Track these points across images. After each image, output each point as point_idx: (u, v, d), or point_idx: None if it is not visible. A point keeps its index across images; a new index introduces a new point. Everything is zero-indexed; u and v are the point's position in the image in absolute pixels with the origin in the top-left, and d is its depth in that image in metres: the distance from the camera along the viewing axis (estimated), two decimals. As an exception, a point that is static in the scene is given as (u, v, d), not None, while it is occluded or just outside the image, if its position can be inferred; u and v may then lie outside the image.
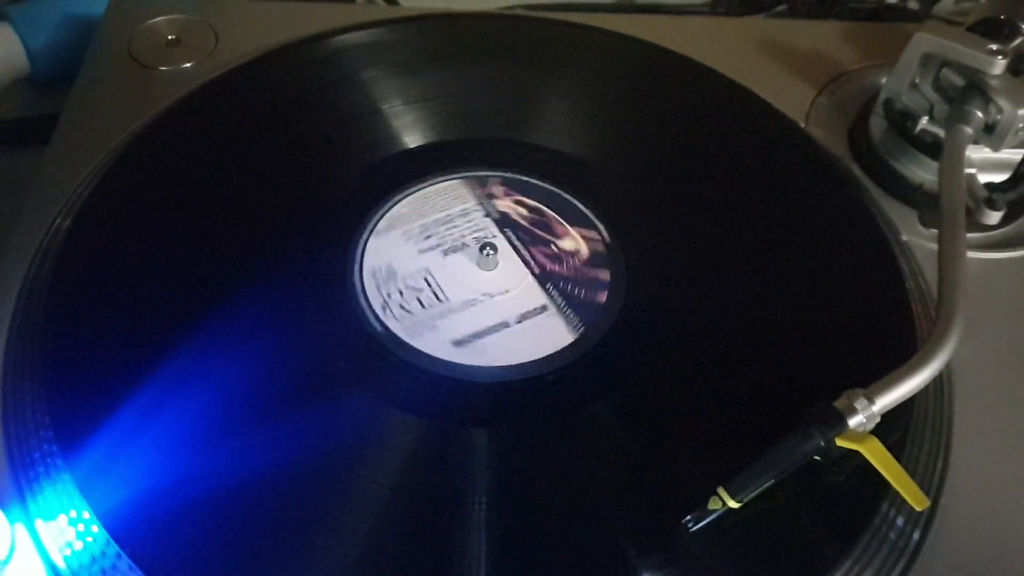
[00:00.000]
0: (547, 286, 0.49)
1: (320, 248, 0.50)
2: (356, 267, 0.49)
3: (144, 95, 0.58)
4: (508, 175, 0.54)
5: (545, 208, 0.52)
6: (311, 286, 0.48)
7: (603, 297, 0.48)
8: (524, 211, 0.52)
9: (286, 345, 0.46)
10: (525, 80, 0.58)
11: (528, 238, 0.51)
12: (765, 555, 0.40)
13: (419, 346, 0.46)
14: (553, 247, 0.51)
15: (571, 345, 0.46)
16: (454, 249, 0.50)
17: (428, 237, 0.51)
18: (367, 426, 0.43)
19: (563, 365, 0.46)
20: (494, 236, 0.51)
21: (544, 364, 0.46)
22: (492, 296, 0.49)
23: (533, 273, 0.50)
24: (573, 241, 0.51)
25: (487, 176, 0.53)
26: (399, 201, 0.52)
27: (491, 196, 0.53)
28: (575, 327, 0.47)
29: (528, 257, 0.50)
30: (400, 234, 0.51)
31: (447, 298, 0.48)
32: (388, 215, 0.52)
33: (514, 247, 0.51)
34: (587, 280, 0.49)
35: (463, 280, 0.49)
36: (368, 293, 0.48)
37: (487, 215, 0.52)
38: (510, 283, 0.49)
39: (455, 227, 0.51)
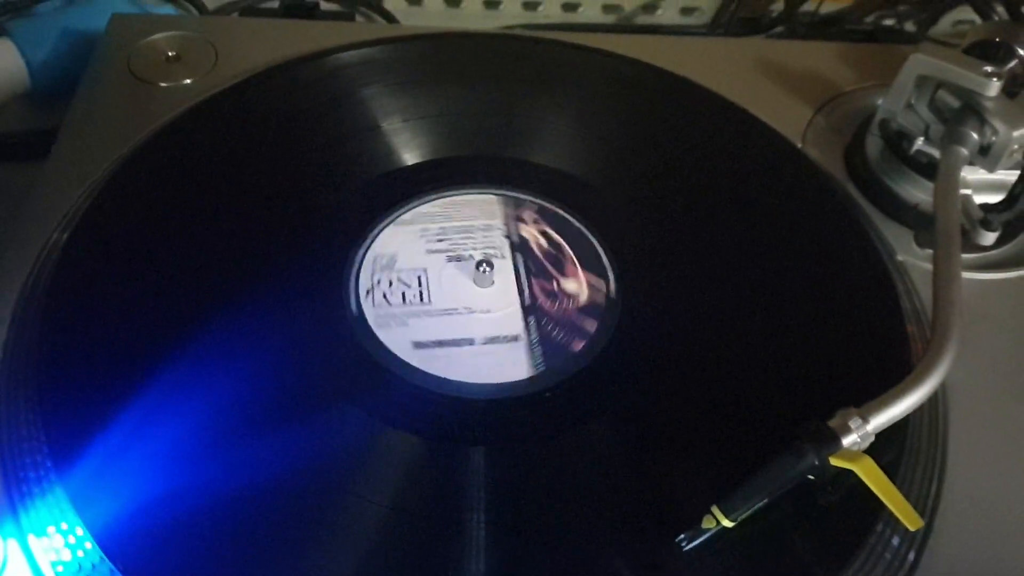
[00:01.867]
0: (529, 318, 0.49)
1: (329, 235, 0.51)
2: (362, 250, 0.50)
3: (143, 111, 0.58)
4: (545, 204, 0.53)
5: (566, 245, 0.52)
6: (309, 270, 0.49)
7: (579, 346, 0.48)
8: (544, 242, 0.52)
9: (280, 335, 0.46)
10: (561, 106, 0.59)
11: (535, 268, 0.51)
12: (760, 574, 0.40)
13: (381, 337, 0.47)
14: (555, 284, 0.50)
15: (523, 381, 0.46)
16: (459, 258, 0.51)
17: (441, 240, 0.51)
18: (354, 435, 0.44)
19: (508, 396, 0.45)
20: (501, 257, 0.51)
21: (489, 391, 0.45)
22: (472, 312, 0.49)
23: (522, 302, 0.49)
24: (577, 284, 0.50)
25: (524, 199, 0.54)
26: (432, 200, 0.53)
27: (519, 219, 0.53)
28: (536, 365, 0.47)
29: (525, 286, 0.50)
30: (418, 229, 0.52)
31: (430, 301, 0.49)
32: (416, 210, 0.52)
33: (516, 272, 0.50)
34: (571, 325, 0.48)
35: (453, 289, 0.49)
36: (361, 276, 0.49)
37: (507, 236, 0.52)
38: (495, 305, 0.49)
39: (471, 238, 0.52)
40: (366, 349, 0.46)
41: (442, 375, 0.45)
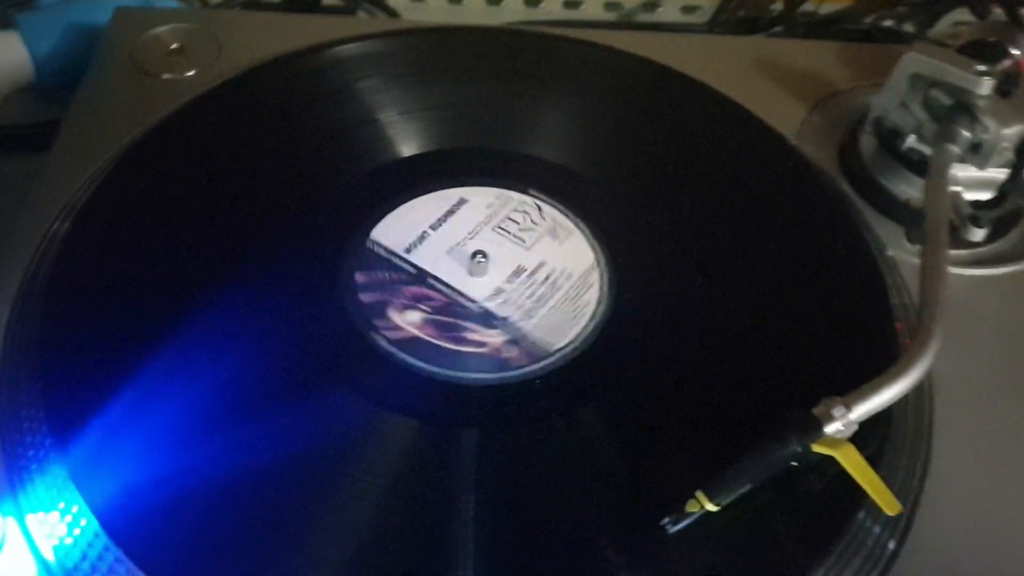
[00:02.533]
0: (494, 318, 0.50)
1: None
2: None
3: (146, 103, 0.58)
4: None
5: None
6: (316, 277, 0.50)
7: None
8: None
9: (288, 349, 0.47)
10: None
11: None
12: (741, 558, 0.40)
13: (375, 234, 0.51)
14: None
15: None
16: (483, 237, 0.53)
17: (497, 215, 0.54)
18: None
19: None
20: (516, 264, 0.52)
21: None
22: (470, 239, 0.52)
23: (485, 305, 0.50)
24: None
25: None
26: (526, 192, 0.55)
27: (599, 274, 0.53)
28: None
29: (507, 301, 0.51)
30: (496, 199, 0.54)
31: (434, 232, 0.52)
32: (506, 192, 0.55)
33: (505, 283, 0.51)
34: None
35: (450, 241, 0.52)
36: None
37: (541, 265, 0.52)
38: (467, 286, 0.51)
39: (515, 233, 0.53)
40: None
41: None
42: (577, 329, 0.49)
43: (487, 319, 0.49)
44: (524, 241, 0.52)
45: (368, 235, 0.52)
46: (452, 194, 0.54)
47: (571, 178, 0.55)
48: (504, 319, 0.49)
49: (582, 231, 0.53)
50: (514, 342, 0.48)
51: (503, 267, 0.51)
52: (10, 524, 0.41)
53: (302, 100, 0.57)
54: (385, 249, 0.51)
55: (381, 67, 0.59)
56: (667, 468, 0.43)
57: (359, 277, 0.50)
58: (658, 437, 0.45)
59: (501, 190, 0.55)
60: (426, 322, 0.48)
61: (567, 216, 0.54)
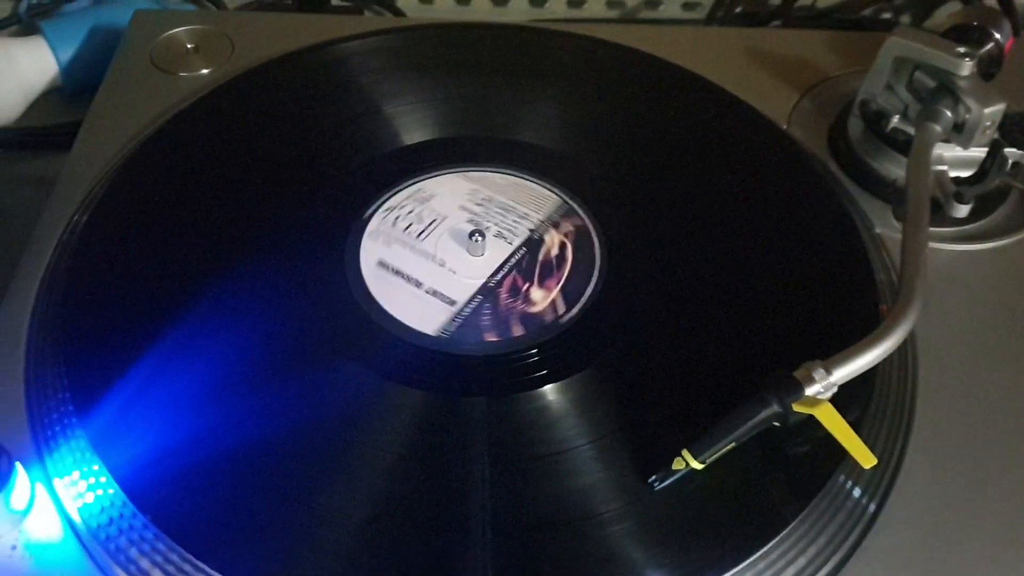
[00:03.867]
0: (477, 296, 0.51)
1: (324, 240, 0.54)
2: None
3: (164, 99, 0.62)
4: (579, 213, 0.56)
5: (569, 266, 0.53)
6: (317, 275, 0.52)
7: (491, 336, 0.50)
8: (555, 252, 0.54)
9: (293, 330, 0.49)
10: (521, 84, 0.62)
11: (524, 266, 0.53)
12: (726, 512, 0.42)
13: (362, 244, 0.53)
14: (527, 286, 0.52)
15: (432, 334, 0.49)
16: (476, 223, 0.54)
17: (479, 205, 0.55)
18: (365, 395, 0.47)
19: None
20: (509, 243, 0.54)
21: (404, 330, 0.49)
22: (443, 266, 0.52)
23: (485, 283, 0.52)
24: (543, 297, 0.51)
25: (577, 210, 0.56)
26: (504, 173, 0.57)
27: (556, 224, 0.55)
28: (444, 331, 0.50)
29: (501, 273, 0.52)
30: (473, 188, 0.56)
31: (422, 240, 0.53)
32: (485, 173, 0.57)
33: (507, 260, 0.53)
34: (503, 322, 0.50)
35: (447, 243, 0.53)
36: (396, 197, 0.55)
37: (531, 230, 0.54)
38: (465, 271, 0.52)
39: (503, 216, 0.55)
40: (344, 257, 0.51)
41: (376, 296, 0.50)
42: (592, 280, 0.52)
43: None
44: (506, 215, 0.55)
45: (359, 249, 0.53)
46: (550, 195, 0.57)
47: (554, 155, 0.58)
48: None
49: (544, 186, 0.57)
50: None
51: (496, 242, 0.54)
52: (38, 488, 0.44)
53: (307, 93, 0.60)
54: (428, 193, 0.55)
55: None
56: (659, 430, 0.45)
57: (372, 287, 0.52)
58: (654, 399, 0.47)
59: (461, 173, 0.57)
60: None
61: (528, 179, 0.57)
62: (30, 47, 0.70)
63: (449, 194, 0.56)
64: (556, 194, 0.56)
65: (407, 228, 0.53)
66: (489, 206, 0.55)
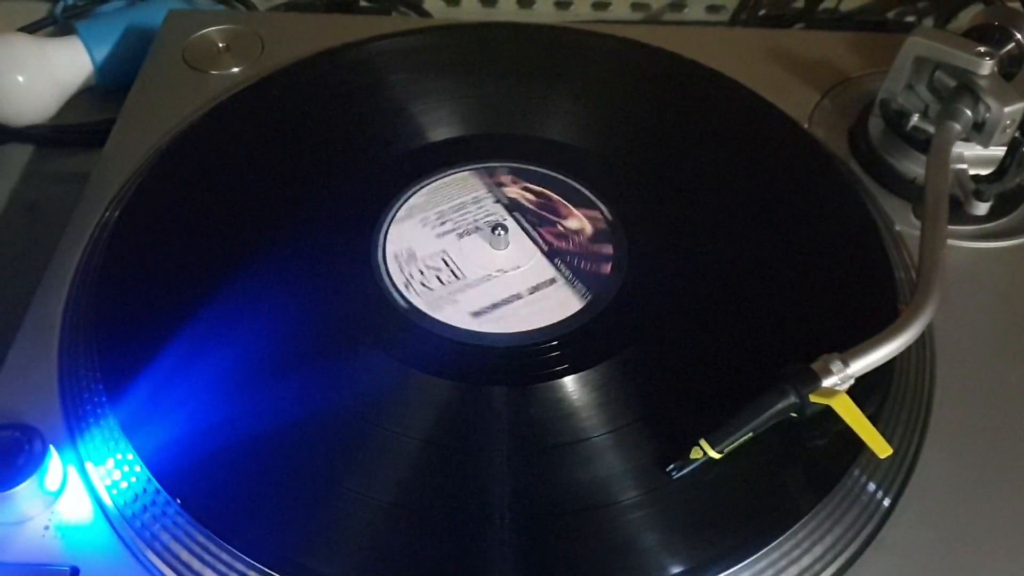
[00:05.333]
0: (555, 261, 0.53)
1: (345, 238, 0.54)
2: (379, 252, 0.54)
3: (195, 97, 0.63)
4: (514, 165, 0.58)
5: (551, 193, 0.56)
6: (340, 272, 0.53)
7: (607, 268, 0.52)
8: (531, 196, 0.56)
9: (316, 326, 0.50)
10: (536, 81, 0.63)
11: (536, 220, 0.55)
12: (742, 502, 0.43)
13: (440, 318, 0.50)
14: (560, 226, 0.55)
15: (579, 312, 0.50)
16: (468, 232, 0.55)
17: (443, 223, 0.55)
18: (392, 386, 0.47)
19: (573, 330, 0.50)
20: (504, 219, 0.55)
21: (555, 329, 0.50)
22: (505, 272, 0.53)
23: (542, 250, 0.54)
24: (578, 221, 0.55)
25: (495, 167, 0.58)
26: (415, 192, 0.57)
27: (500, 184, 0.57)
28: (583, 295, 0.51)
29: (536, 236, 0.54)
30: (418, 221, 0.55)
31: (464, 275, 0.53)
32: (406, 205, 0.56)
33: (523, 228, 0.55)
34: (592, 254, 0.53)
35: (478, 259, 0.53)
36: (392, 274, 0.53)
37: (497, 201, 0.56)
38: (521, 260, 0.53)
39: (468, 212, 0.56)
40: (435, 332, 0.50)
41: (514, 331, 0.50)
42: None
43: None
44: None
45: (384, 243, 0.54)
46: (465, 176, 0.58)
47: (586, 156, 0.59)
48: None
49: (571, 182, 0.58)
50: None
51: (519, 234, 0.55)
52: (71, 470, 0.45)
53: (333, 92, 0.62)
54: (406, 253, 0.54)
55: (409, 60, 0.64)
56: (681, 418, 0.46)
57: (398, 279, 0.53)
58: (675, 389, 0.48)
59: (482, 169, 0.58)
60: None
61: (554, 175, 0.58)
62: (65, 47, 0.72)
63: (417, 238, 0.55)
64: (466, 170, 0.58)
65: (443, 282, 0.53)
66: (452, 216, 0.56)
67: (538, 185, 0.57)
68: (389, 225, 0.55)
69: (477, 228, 0.55)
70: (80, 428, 0.46)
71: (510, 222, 0.55)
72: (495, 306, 0.51)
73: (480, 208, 0.56)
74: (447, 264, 0.53)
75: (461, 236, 0.55)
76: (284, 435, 0.45)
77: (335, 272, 0.52)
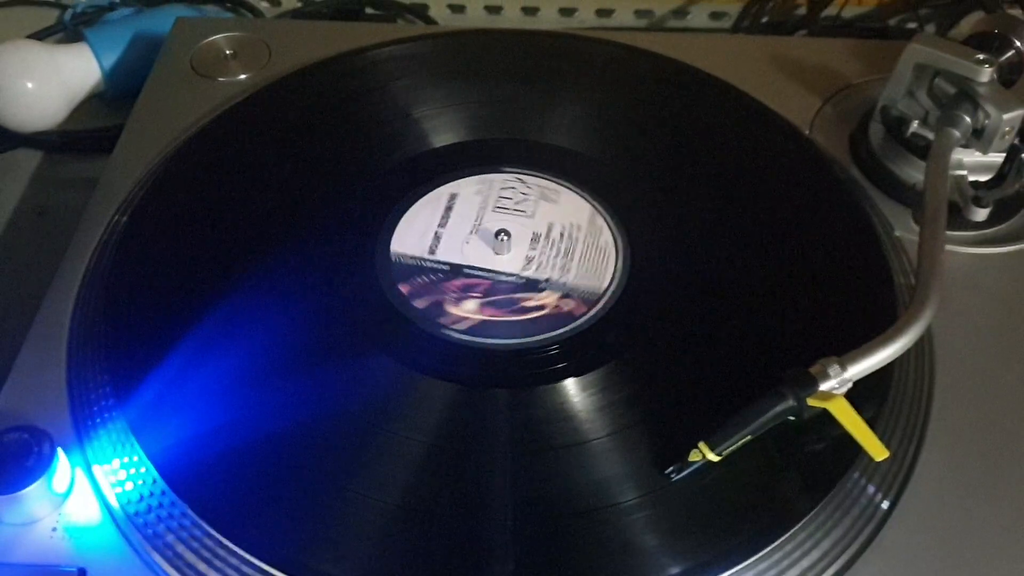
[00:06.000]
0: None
1: (349, 242, 0.55)
2: (385, 255, 0.55)
3: (203, 103, 0.64)
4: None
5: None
6: (344, 276, 0.53)
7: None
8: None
9: (321, 328, 0.51)
10: (540, 87, 0.64)
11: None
12: (741, 504, 0.43)
13: (393, 240, 0.54)
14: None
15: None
16: (471, 235, 0.56)
17: (448, 226, 0.56)
18: (395, 389, 0.48)
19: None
20: (507, 225, 0.55)
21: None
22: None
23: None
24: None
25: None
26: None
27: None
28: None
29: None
30: (424, 225, 0.56)
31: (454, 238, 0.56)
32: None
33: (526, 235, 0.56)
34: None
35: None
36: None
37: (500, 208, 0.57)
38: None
39: (471, 216, 0.57)
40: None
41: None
42: (611, 268, 0.53)
43: (533, 286, 0.53)
44: (525, 212, 0.57)
45: (388, 249, 0.55)
46: (442, 191, 0.58)
47: (584, 159, 0.60)
48: (547, 280, 0.53)
49: (570, 188, 0.58)
50: (567, 295, 0.52)
51: (521, 238, 0.55)
52: (78, 473, 0.45)
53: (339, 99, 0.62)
54: (410, 257, 0.55)
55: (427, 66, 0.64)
56: (678, 423, 0.46)
57: (403, 288, 0.53)
58: (677, 398, 0.48)
59: (483, 176, 0.59)
60: (483, 306, 0.52)
61: (551, 180, 0.59)
62: (74, 53, 0.73)
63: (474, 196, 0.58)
64: (578, 194, 0.58)
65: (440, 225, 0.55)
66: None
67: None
68: (394, 229, 0.56)
69: (480, 232, 0.55)
70: (88, 430, 0.47)
71: (513, 228, 0.55)
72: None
73: (484, 212, 0.57)
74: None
75: (465, 240, 0.55)
76: (290, 437, 0.45)
77: (340, 276, 0.53)
